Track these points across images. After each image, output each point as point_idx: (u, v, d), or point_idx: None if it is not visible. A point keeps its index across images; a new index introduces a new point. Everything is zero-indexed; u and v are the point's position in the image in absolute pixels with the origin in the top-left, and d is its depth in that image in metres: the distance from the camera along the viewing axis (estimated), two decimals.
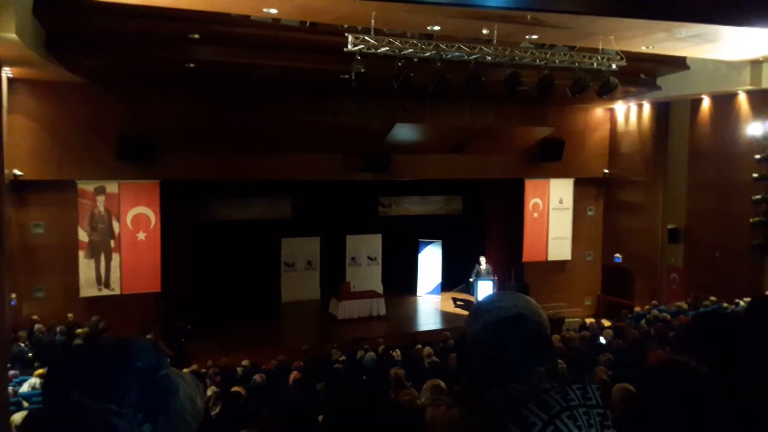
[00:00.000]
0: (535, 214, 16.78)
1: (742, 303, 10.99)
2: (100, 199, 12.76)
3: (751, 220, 13.04)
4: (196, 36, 10.37)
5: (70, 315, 12.07)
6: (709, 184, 14.28)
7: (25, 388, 8.51)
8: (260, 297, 15.90)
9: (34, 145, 12.17)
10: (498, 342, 1.22)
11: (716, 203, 14.01)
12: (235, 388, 7.58)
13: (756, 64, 12.19)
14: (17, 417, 6.33)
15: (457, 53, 10.23)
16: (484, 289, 15.64)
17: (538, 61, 10.76)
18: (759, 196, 12.95)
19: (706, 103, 14.32)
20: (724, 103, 13.77)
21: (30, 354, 10.66)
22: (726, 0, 8.05)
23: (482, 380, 1.08)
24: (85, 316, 12.15)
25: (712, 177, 14.15)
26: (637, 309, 13.69)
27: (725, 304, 11.40)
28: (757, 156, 12.95)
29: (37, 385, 8.49)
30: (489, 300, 1.32)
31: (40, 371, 8.84)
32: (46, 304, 12.39)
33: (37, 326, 11.37)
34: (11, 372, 9.32)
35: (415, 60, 10.35)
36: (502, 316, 1.24)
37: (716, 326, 1.87)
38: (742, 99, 13.37)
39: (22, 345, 10.73)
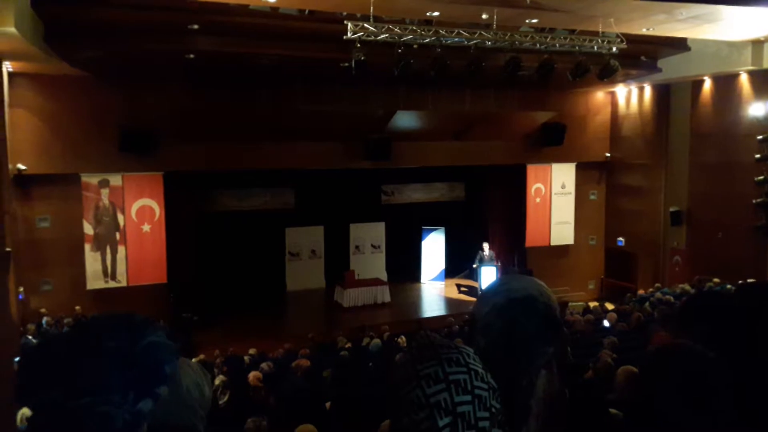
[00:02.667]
0: (538, 199, 16.79)
1: None
2: (105, 192, 12.81)
3: (753, 201, 13.02)
4: (195, 26, 10.35)
5: (77, 308, 12.19)
6: (711, 166, 14.25)
7: None
8: (266, 286, 15.99)
9: (37, 139, 12.20)
10: (507, 323, 1.23)
11: (718, 185, 13.99)
12: (252, 374, 7.65)
13: (757, 44, 12.12)
14: (28, 410, 6.41)
15: (456, 39, 10.20)
16: (488, 275, 15.68)
17: (538, 45, 10.72)
18: (762, 177, 12.92)
19: (707, 85, 14.26)
20: (726, 84, 13.71)
21: None
22: None
23: (490, 361, 1.11)
24: (92, 309, 12.25)
25: (714, 159, 14.12)
26: (641, 292, 13.73)
27: (729, 286, 11.43)
28: (760, 137, 12.91)
29: None
30: (498, 282, 1.33)
31: None
32: (53, 297, 12.49)
33: (45, 319, 11.48)
34: None
35: (415, 46, 10.32)
36: (511, 297, 1.26)
37: (710, 306, 1.90)
38: (744, 80, 13.30)
39: (31, 338, 10.83)
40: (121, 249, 12.96)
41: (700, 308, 1.91)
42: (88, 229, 12.68)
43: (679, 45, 13.43)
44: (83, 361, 0.97)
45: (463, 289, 16.82)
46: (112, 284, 12.87)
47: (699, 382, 1.34)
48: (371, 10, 8.95)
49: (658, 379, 1.37)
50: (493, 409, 1.01)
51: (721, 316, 1.80)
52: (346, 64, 10.23)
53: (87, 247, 12.67)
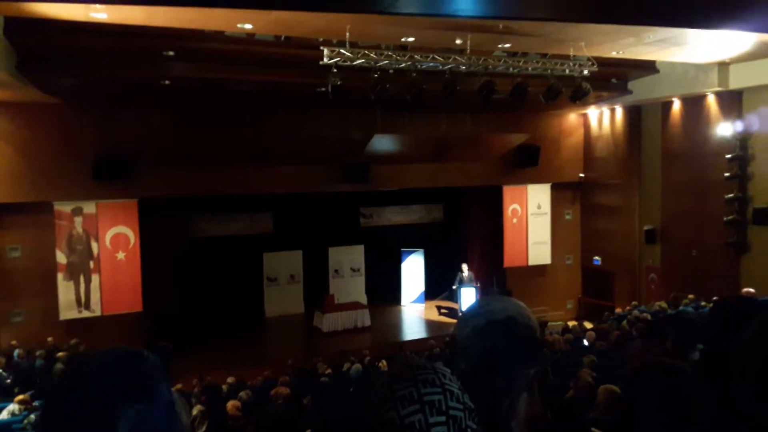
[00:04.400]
0: (515, 220, 16.93)
1: None
2: (78, 220, 12.60)
3: (724, 218, 13.29)
4: (171, 53, 10.34)
5: (50, 339, 11.88)
6: (682, 185, 14.54)
7: (4, 415, 8.34)
8: (244, 313, 15.79)
9: (9, 167, 11.98)
10: (488, 345, 1.23)
11: (691, 203, 14.27)
12: (231, 403, 7.51)
13: (723, 66, 12.49)
14: None
15: (431, 63, 10.35)
16: (468, 296, 15.70)
17: (511, 69, 10.92)
18: (731, 195, 13.22)
19: (676, 106, 14.62)
20: (694, 105, 14.07)
21: (8, 380, 10.47)
22: (688, 3, 8.28)
23: (471, 384, 1.11)
24: (65, 339, 11.95)
25: (686, 177, 14.42)
26: (618, 310, 13.85)
27: (703, 303, 11.60)
28: (728, 155, 13.24)
29: (17, 412, 8.33)
30: (478, 304, 1.33)
31: (20, 397, 8.68)
32: (25, 329, 12.17)
33: (17, 351, 11.17)
34: None
35: (391, 71, 10.44)
36: (491, 319, 1.26)
37: (677, 326, 1.95)
38: (711, 100, 13.67)
39: (1, 371, 10.53)
40: (95, 278, 12.72)
41: (667, 329, 1.97)
42: (61, 258, 12.43)
43: (649, 67, 13.78)
44: (136, 401, 0.92)
45: (443, 310, 16.81)
46: (85, 314, 12.59)
47: (679, 399, 1.35)
48: (347, 36, 9.05)
49: (639, 397, 1.38)
50: (469, 430, 1.01)
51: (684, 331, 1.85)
52: (323, 89, 10.30)
53: (60, 276, 12.40)
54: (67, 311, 12.46)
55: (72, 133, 12.29)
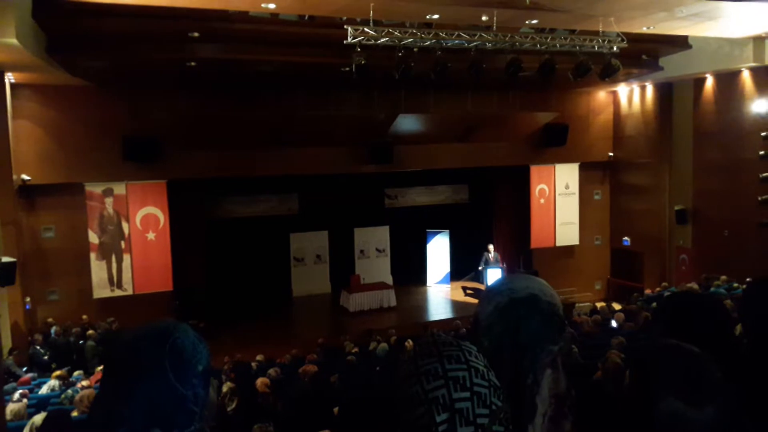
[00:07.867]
0: (542, 200, 16.76)
1: None
2: (109, 201, 12.86)
3: (759, 198, 12.97)
4: (196, 34, 10.40)
5: (84, 317, 12.23)
6: (715, 164, 14.21)
7: (44, 390, 8.62)
8: (271, 292, 16.02)
9: (41, 150, 12.26)
10: (510, 323, 1.23)
11: (723, 182, 13.94)
12: (260, 380, 7.64)
13: (759, 41, 12.09)
14: (38, 419, 6.41)
15: (457, 41, 10.21)
16: (494, 277, 15.65)
17: (538, 45, 10.72)
18: (766, 174, 12.88)
19: (709, 82, 14.23)
20: (728, 81, 13.67)
21: (46, 356, 10.81)
22: None
23: (495, 361, 1.11)
24: (99, 317, 12.29)
25: (718, 156, 14.08)
26: (648, 291, 13.69)
27: (736, 284, 11.38)
28: (763, 133, 12.87)
29: (56, 387, 8.60)
30: (500, 282, 1.33)
31: (57, 373, 8.96)
32: (60, 307, 12.54)
33: (53, 328, 11.52)
34: (29, 374, 9.45)
35: (416, 50, 10.33)
36: (513, 297, 1.25)
37: (686, 307, 1.91)
38: (746, 76, 13.27)
39: (38, 348, 10.87)
40: (126, 257, 13.00)
41: (676, 310, 1.92)
42: (93, 238, 12.72)
43: (681, 43, 13.41)
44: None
45: (469, 291, 16.78)
46: (118, 293, 12.90)
47: (694, 379, 1.33)
48: (371, 14, 8.97)
49: (654, 378, 1.37)
50: (494, 407, 1.01)
51: (701, 319, 1.81)
52: (347, 69, 10.25)
53: (92, 256, 12.70)
54: (100, 290, 12.78)
55: (101, 115, 12.49)
